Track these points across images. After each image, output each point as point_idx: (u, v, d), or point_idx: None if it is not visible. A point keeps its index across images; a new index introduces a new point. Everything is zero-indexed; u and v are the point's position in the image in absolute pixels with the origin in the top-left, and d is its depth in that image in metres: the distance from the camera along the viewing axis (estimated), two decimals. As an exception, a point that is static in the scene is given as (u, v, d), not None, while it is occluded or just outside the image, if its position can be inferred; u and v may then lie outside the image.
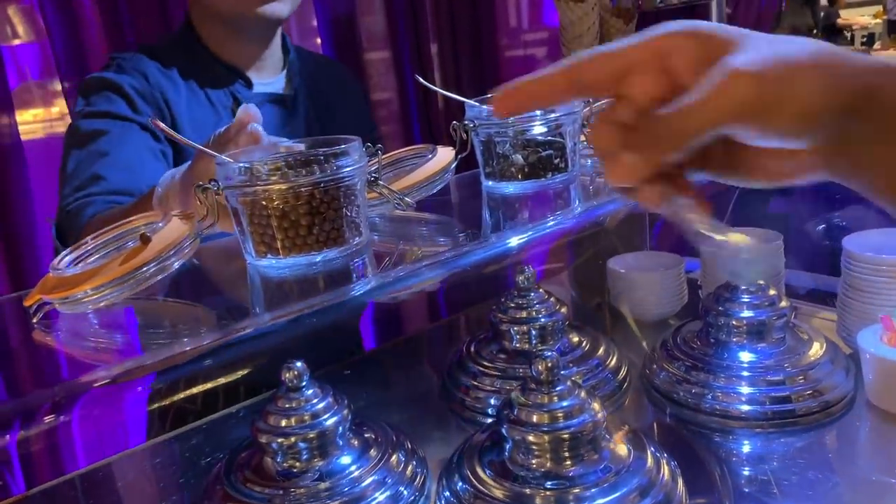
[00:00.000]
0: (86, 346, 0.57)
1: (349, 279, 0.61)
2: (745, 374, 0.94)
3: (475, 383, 0.99)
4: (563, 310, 1.03)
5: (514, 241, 0.65)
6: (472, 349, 1.04)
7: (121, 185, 0.99)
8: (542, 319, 1.00)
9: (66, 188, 1.01)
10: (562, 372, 0.82)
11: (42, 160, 1.60)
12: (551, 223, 0.67)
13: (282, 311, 0.56)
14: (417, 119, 2.14)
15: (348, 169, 0.64)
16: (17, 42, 1.70)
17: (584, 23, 1.30)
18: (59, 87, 1.64)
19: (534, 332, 1.00)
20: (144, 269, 0.57)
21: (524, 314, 1.01)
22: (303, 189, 0.62)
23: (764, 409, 0.91)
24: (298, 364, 0.75)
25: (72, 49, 1.62)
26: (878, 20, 7.82)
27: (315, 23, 2.02)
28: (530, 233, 0.66)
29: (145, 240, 0.58)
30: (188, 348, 0.53)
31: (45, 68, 1.70)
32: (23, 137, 1.60)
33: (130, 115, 1.07)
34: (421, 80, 0.79)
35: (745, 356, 0.96)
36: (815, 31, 4.51)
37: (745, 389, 0.93)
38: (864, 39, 7.66)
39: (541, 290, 1.02)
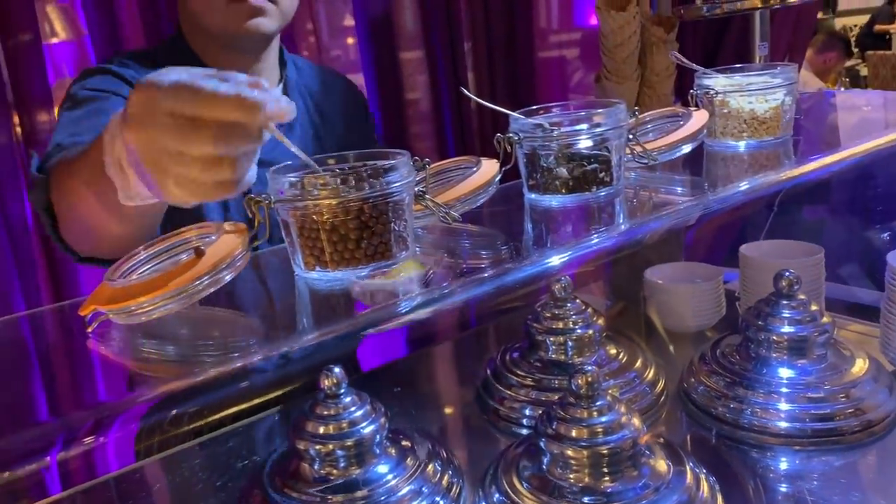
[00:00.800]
0: (140, 358, 0.58)
1: (395, 294, 0.61)
2: (785, 390, 0.93)
3: (510, 393, 0.99)
4: (600, 321, 1.02)
5: (557, 259, 0.65)
6: (507, 359, 1.03)
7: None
8: (579, 330, 0.99)
9: (61, 130, 0.95)
10: (602, 386, 0.82)
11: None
12: (595, 241, 0.67)
13: (329, 327, 0.56)
14: (450, 119, 2.14)
15: (397, 184, 0.64)
16: (55, 40, 1.72)
17: (625, 31, 1.29)
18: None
19: (570, 343, 0.99)
20: (198, 282, 0.58)
21: (560, 324, 1.00)
22: (352, 204, 0.63)
23: (804, 427, 0.90)
24: (336, 370, 0.75)
25: (111, 46, 1.64)
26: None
27: (353, 22, 2.03)
28: (573, 251, 0.66)
29: (199, 253, 0.58)
30: (239, 364, 0.54)
31: (82, 65, 1.72)
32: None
33: (113, 99, 1.02)
34: (466, 91, 0.78)
35: (786, 372, 0.94)
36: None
37: (785, 406, 0.92)
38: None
39: (577, 301, 1.01)
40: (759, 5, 1.16)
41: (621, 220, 0.74)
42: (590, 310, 1.02)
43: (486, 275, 0.62)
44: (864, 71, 5.42)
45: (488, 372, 1.04)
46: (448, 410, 1.02)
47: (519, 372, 1.01)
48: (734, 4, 1.15)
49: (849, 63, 4.22)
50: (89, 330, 0.59)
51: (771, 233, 1.14)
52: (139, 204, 0.63)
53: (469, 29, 2.05)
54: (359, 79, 2.07)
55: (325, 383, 0.75)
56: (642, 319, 1.21)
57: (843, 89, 4.29)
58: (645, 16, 1.34)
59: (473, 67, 2.12)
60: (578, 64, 2.32)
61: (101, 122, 0.90)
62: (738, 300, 1.20)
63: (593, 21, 2.25)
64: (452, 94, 2.06)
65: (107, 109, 0.98)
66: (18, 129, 1.53)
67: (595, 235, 0.68)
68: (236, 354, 0.56)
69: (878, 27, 6.87)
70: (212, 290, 0.59)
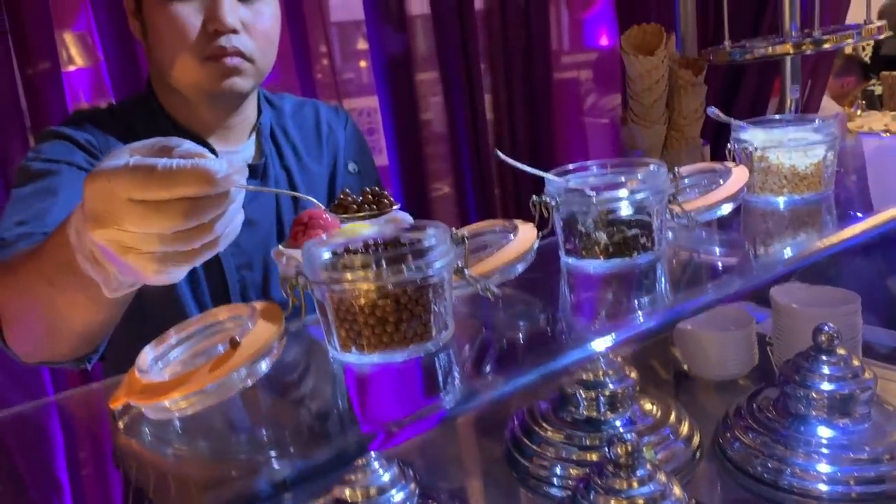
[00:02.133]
0: (173, 457, 0.56)
1: (437, 388, 0.59)
2: (826, 451, 0.90)
3: (539, 450, 0.97)
4: (633, 374, 1.00)
5: (602, 344, 0.63)
6: (536, 413, 1.01)
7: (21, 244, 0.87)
8: (612, 385, 0.97)
9: (6, 220, 0.90)
10: (642, 454, 0.80)
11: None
12: (643, 322, 0.64)
13: (369, 434, 0.54)
14: (466, 140, 2.12)
15: (437, 264, 0.62)
16: (72, 67, 1.71)
17: (653, 75, 1.26)
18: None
19: (602, 399, 0.97)
20: (234, 376, 0.55)
21: (592, 378, 0.98)
22: (391, 287, 0.60)
23: (848, 490, 0.87)
24: (361, 422, 0.73)
25: (127, 72, 1.62)
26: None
27: (366, 45, 2.01)
28: (620, 334, 0.63)
29: (234, 344, 0.56)
30: (276, 468, 0.52)
31: (98, 92, 1.71)
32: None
33: (84, 164, 0.99)
34: (500, 154, 0.76)
35: (827, 432, 0.92)
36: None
37: (827, 468, 0.89)
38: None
39: (609, 354, 0.99)
40: (791, 52, 1.13)
41: (668, 296, 0.71)
42: (621, 362, 1.00)
43: (530, 366, 0.59)
44: (878, 90, 5.38)
45: (517, 425, 1.02)
46: (476, 466, 0.99)
47: (549, 428, 0.98)
48: (764, 50, 1.13)
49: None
50: (120, 425, 0.57)
51: (802, 278, 1.12)
52: (126, 292, 0.62)
53: (485, 50, 2.03)
54: (372, 101, 2.05)
55: (351, 439, 0.73)
56: (672, 366, 1.18)
57: (860, 112, 4.24)
58: (672, 58, 1.31)
59: (490, 89, 2.10)
60: (593, 86, 2.30)
61: (49, 205, 0.90)
62: (770, 345, 1.17)
63: (605, 42, 2.23)
64: (468, 115, 2.04)
65: (55, 187, 0.93)
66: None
67: (643, 315, 0.65)
68: (271, 455, 0.54)
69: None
70: (249, 382, 0.57)
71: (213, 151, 1.05)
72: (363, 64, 2.11)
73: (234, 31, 0.99)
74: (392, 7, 1.93)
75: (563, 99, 2.18)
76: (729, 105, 1.54)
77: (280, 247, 0.77)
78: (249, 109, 1.12)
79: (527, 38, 2.01)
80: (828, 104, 3.08)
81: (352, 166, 1.22)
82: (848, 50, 3.80)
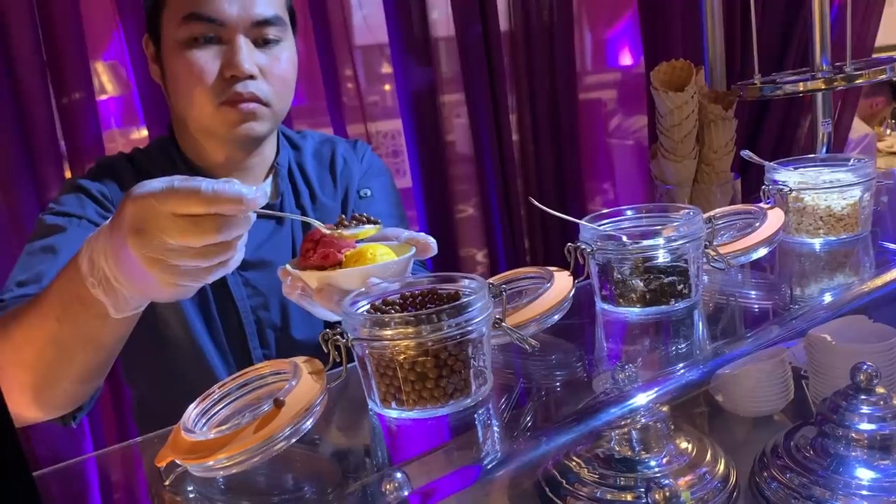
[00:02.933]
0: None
1: (475, 446, 0.59)
2: (866, 493, 0.89)
3: (572, 489, 0.96)
4: (665, 409, 0.99)
5: (645, 398, 0.62)
6: (570, 451, 1.01)
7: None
8: (644, 420, 0.97)
9: (11, 278, 0.93)
10: (680, 500, 0.79)
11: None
12: (683, 373, 0.64)
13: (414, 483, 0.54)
14: (490, 161, 2.12)
15: (477, 320, 0.62)
16: (104, 96, 1.74)
17: (683, 111, 1.25)
18: (145, 133, 1.67)
19: (635, 436, 0.96)
20: (279, 435, 0.56)
21: (625, 416, 0.97)
22: (431, 343, 0.61)
23: (889, 534, 0.86)
24: (398, 475, 0.73)
25: (157, 101, 1.65)
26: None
27: (390, 69, 2.02)
28: (661, 388, 0.63)
29: (279, 405, 0.57)
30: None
31: (129, 119, 1.75)
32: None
33: (95, 218, 1.01)
34: (535, 202, 0.76)
35: (867, 473, 0.90)
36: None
37: (868, 511, 0.88)
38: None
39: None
40: (823, 87, 1.12)
41: (708, 345, 0.71)
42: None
43: (569, 424, 0.59)
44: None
45: (550, 464, 1.01)
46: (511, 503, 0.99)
47: (583, 466, 0.98)
48: (796, 86, 1.12)
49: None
50: (166, 483, 0.58)
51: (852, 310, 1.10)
52: (128, 314, 0.70)
53: (510, 71, 2.03)
54: (397, 124, 2.06)
55: (387, 488, 0.74)
56: (705, 401, 1.17)
57: (889, 131, 4.18)
58: (702, 92, 1.30)
59: (515, 110, 2.10)
60: (618, 107, 2.29)
61: (48, 268, 0.93)
62: (806, 380, 1.16)
63: (629, 62, 2.23)
64: (492, 136, 2.04)
65: (58, 247, 0.96)
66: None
67: (683, 368, 0.65)
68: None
69: None
70: (293, 441, 0.57)
71: None
72: (387, 87, 2.12)
73: (252, 77, 1.00)
74: (416, 30, 1.94)
75: (588, 119, 2.17)
76: (755, 138, 1.52)
77: (287, 266, 0.77)
78: (268, 150, 1.14)
79: (551, 58, 2.01)
80: (857, 125, 3.04)
81: (364, 192, 1.23)
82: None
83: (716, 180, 1.28)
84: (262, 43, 1.02)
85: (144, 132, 1.70)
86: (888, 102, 3.79)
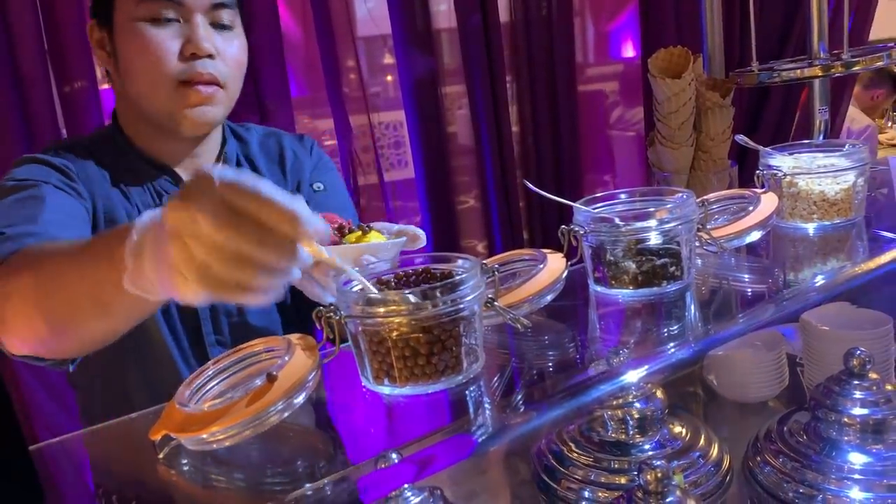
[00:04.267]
0: (214, 488, 0.57)
1: (468, 420, 0.59)
2: (859, 476, 0.89)
3: (568, 473, 0.97)
4: (661, 395, 0.99)
5: (634, 375, 0.63)
6: (565, 436, 1.01)
7: (57, 231, 0.89)
8: (640, 406, 0.97)
9: None
10: (673, 481, 0.80)
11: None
12: (674, 351, 0.64)
13: (402, 457, 0.55)
14: (490, 152, 2.12)
15: (468, 298, 0.63)
16: (107, 85, 1.75)
17: (680, 98, 1.25)
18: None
19: (630, 422, 0.97)
20: (272, 409, 0.57)
21: (620, 400, 0.98)
22: (423, 321, 0.61)
23: (881, 518, 0.87)
24: (393, 455, 0.74)
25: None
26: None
27: (393, 60, 2.02)
28: (653, 365, 0.63)
29: (272, 379, 0.58)
30: (309, 497, 0.53)
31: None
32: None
33: (62, 186, 1.00)
34: (529, 184, 0.76)
35: (859, 458, 0.91)
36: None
37: (859, 494, 0.88)
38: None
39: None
40: (820, 74, 1.12)
41: (699, 325, 0.71)
42: (649, 384, 0.99)
43: (560, 399, 0.60)
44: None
45: (545, 448, 1.02)
46: (504, 489, 1.00)
47: (577, 450, 0.99)
48: (794, 73, 1.12)
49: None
50: (160, 456, 0.59)
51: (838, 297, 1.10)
52: (139, 294, 0.61)
53: (510, 63, 2.03)
54: (399, 115, 2.07)
55: (379, 464, 0.74)
56: (700, 387, 1.18)
57: (891, 124, 4.17)
58: (699, 80, 1.30)
59: (515, 101, 2.11)
60: (618, 98, 2.29)
61: (36, 211, 0.90)
62: (801, 366, 1.16)
63: (630, 54, 2.23)
64: (493, 127, 2.05)
65: (40, 196, 0.94)
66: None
67: (674, 346, 0.65)
68: (305, 485, 0.55)
69: None
70: (285, 415, 0.58)
71: (178, 181, 1.08)
72: (390, 78, 2.13)
73: (210, 57, 1.00)
74: (418, 21, 1.95)
75: (587, 111, 2.18)
76: (754, 126, 1.53)
77: None
78: (215, 139, 1.13)
79: (551, 50, 2.01)
80: (858, 117, 3.03)
81: (317, 185, 1.22)
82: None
83: (713, 168, 1.29)
84: (217, 26, 1.03)
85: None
86: (889, 94, 3.78)
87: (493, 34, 1.95)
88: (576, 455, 0.98)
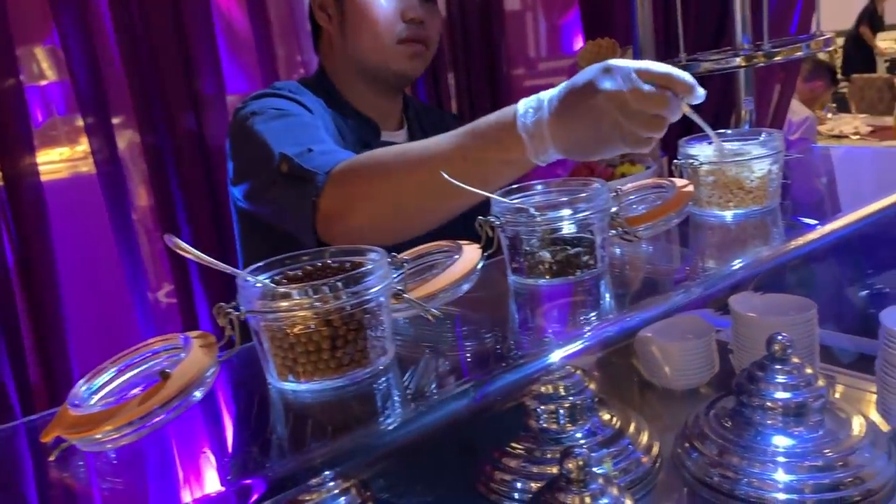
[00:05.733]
0: (105, 491, 0.56)
1: (375, 414, 0.59)
2: (782, 459, 0.91)
3: (501, 463, 0.97)
4: (592, 385, 1.00)
5: (551, 357, 0.63)
6: (498, 424, 1.01)
7: (345, 153, 1.00)
8: (571, 398, 0.97)
9: (286, 141, 1.02)
10: (594, 469, 0.80)
11: (64, 201, 1.59)
12: (589, 334, 0.65)
13: (307, 454, 0.54)
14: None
15: (374, 290, 0.62)
16: (44, 82, 1.70)
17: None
18: (80, 123, 1.63)
19: (562, 412, 0.97)
20: (167, 406, 0.55)
21: (551, 391, 0.98)
22: (325, 313, 0.60)
23: (803, 498, 0.88)
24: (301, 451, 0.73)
25: (95, 87, 1.61)
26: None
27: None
28: (567, 349, 0.64)
29: (165, 376, 0.56)
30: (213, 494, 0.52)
31: (69, 106, 1.70)
32: (43, 178, 1.58)
33: (315, 119, 1.15)
34: (446, 176, 0.76)
35: (782, 440, 0.92)
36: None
37: (783, 477, 0.90)
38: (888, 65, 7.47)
39: (568, 366, 0.99)
40: (743, 64, 1.14)
41: (613, 311, 0.72)
42: (580, 374, 1.00)
43: (473, 385, 0.60)
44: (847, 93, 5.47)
45: (476, 436, 1.02)
46: (437, 481, 0.99)
47: (510, 441, 0.99)
48: (717, 63, 1.14)
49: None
50: (51, 458, 0.57)
51: (761, 279, 1.12)
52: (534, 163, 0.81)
53: (450, 59, 2.03)
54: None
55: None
56: (634, 377, 1.19)
57: (830, 115, 4.27)
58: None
59: (456, 96, 2.10)
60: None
61: (317, 134, 1.06)
62: (732, 353, 1.18)
63: (575, 47, 2.24)
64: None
65: (312, 124, 1.10)
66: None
67: (588, 331, 0.66)
68: (206, 485, 0.54)
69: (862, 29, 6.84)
70: (182, 411, 0.57)
71: (378, 133, 1.27)
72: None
73: (422, 23, 1.22)
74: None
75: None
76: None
77: None
78: (400, 98, 1.34)
79: (489, 45, 2.01)
80: (798, 108, 3.10)
81: None
82: (822, 56, 3.83)
83: (642, 158, 1.30)
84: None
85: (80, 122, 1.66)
86: (827, 86, 3.88)
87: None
88: (507, 445, 0.98)
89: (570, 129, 0.77)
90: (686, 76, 0.75)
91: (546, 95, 0.81)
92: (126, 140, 1.61)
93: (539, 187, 0.83)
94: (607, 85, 0.74)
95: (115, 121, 1.58)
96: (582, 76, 0.77)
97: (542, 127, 0.78)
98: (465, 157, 0.84)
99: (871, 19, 6.99)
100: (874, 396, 1.07)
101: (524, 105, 0.82)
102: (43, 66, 1.71)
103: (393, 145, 1.00)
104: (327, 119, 1.21)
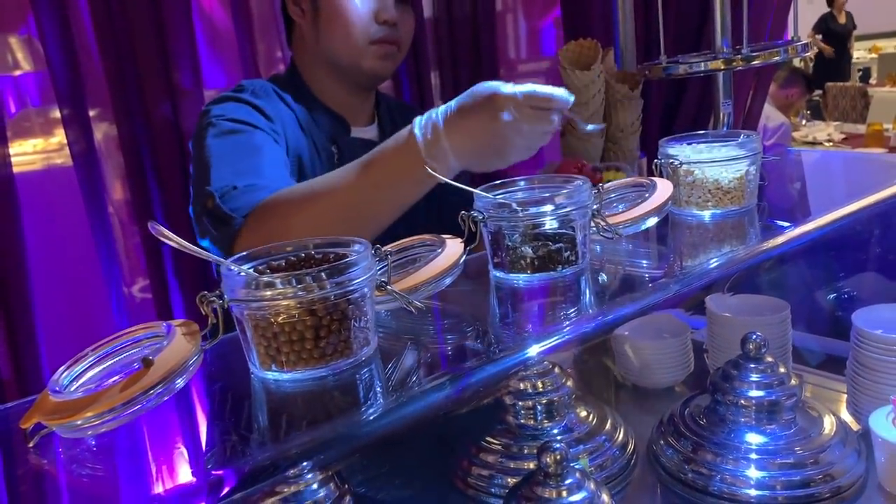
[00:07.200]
0: (84, 478, 0.55)
1: (357, 404, 0.59)
2: (755, 456, 0.93)
3: (478, 458, 0.97)
4: (569, 383, 1.01)
5: (530, 351, 0.64)
6: (476, 420, 1.02)
7: (278, 182, 1.02)
8: (549, 395, 0.98)
9: (220, 170, 1.03)
10: (571, 463, 0.81)
11: (37, 193, 1.56)
12: (568, 329, 0.65)
13: (289, 444, 0.54)
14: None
15: (358, 280, 0.62)
16: (18, 72, 1.67)
17: (590, 90, 1.28)
18: (57, 114, 1.60)
19: (539, 408, 0.98)
20: (149, 393, 0.55)
21: (529, 387, 0.99)
22: (309, 304, 0.60)
23: (774, 495, 0.90)
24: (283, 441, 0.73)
25: (72, 77, 1.59)
26: (874, 55, 7.83)
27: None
28: (546, 343, 0.64)
29: (147, 363, 0.56)
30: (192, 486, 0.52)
31: (44, 97, 1.67)
32: (16, 170, 1.56)
33: (266, 129, 1.13)
34: (432, 171, 0.77)
35: (755, 438, 0.94)
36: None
37: (756, 473, 0.91)
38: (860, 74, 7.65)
39: (546, 362, 1.00)
40: (722, 67, 1.16)
41: (592, 307, 0.73)
42: (558, 371, 1.01)
43: (453, 376, 0.60)
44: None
45: (455, 431, 1.02)
46: (417, 473, 0.99)
47: (487, 437, 0.99)
48: (697, 66, 1.16)
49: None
50: (30, 445, 0.57)
51: (736, 280, 1.15)
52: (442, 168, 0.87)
53: (436, 59, 2.03)
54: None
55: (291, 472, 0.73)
56: (612, 375, 1.20)
57: (805, 122, 4.35)
58: (610, 73, 1.33)
59: (441, 96, 2.11)
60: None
61: (258, 162, 1.06)
62: (707, 352, 1.20)
63: (559, 48, 2.26)
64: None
65: (257, 145, 1.09)
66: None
67: (568, 326, 0.67)
68: (187, 473, 0.54)
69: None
70: (164, 399, 0.56)
71: (348, 129, 1.28)
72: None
73: (395, 24, 1.22)
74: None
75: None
76: (671, 118, 1.58)
77: None
78: (372, 94, 1.34)
79: (476, 46, 2.02)
80: (773, 115, 3.16)
81: None
82: (797, 62, 3.91)
83: (622, 159, 1.32)
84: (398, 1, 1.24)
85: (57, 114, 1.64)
86: (802, 94, 3.95)
87: (416, 29, 1.94)
88: (484, 442, 0.99)
89: (465, 128, 0.88)
90: (562, 94, 0.90)
91: (439, 107, 0.92)
92: (102, 132, 1.59)
93: (522, 183, 0.84)
94: (504, 90, 0.87)
95: (91, 113, 1.56)
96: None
97: (437, 129, 0.89)
98: (376, 185, 0.92)
99: (828, 27, 7.08)
100: (844, 396, 1.10)
101: (418, 118, 0.93)
102: (18, 57, 1.68)
103: (309, 179, 1.02)
104: (288, 123, 1.20)
